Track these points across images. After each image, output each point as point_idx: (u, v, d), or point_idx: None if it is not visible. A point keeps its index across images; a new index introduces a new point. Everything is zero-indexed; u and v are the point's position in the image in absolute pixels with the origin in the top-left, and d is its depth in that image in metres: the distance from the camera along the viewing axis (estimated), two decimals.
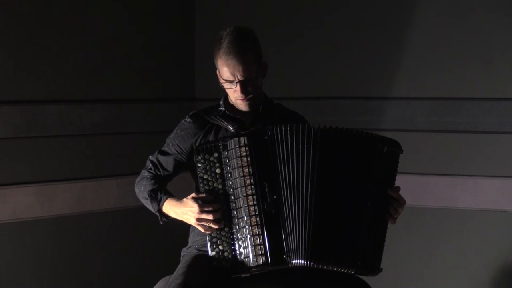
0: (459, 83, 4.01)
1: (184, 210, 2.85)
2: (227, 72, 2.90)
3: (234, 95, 2.95)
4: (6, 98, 3.87)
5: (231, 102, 3.02)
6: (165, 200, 2.92)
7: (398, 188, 2.88)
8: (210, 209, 2.81)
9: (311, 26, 4.29)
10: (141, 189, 2.99)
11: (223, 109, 3.02)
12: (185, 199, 2.87)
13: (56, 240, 4.07)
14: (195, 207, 2.82)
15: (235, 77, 2.90)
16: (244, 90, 2.92)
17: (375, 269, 2.84)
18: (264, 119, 3.00)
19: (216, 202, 2.83)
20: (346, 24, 4.22)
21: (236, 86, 2.91)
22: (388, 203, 2.86)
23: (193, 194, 2.86)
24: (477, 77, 3.97)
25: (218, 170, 2.84)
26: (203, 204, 2.82)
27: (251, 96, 2.94)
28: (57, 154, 4.04)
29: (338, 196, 2.81)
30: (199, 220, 2.82)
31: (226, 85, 2.94)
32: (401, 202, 2.86)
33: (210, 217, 2.81)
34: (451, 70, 4.02)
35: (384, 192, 2.85)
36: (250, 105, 2.97)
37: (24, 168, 3.94)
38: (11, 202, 3.89)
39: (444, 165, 4.05)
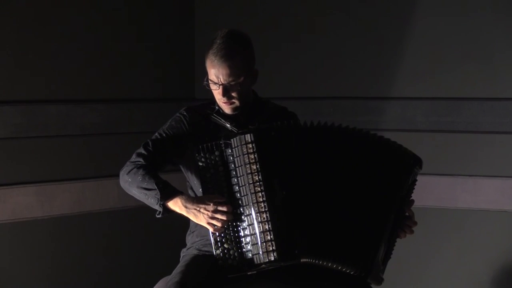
0: (459, 83, 4.01)
1: (197, 207, 2.80)
2: (212, 73, 2.90)
3: (218, 96, 2.95)
4: (6, 98, 3.87)
5: None
6: (177, 195, 2.84)
7: (413, 202, 2.90)
8: (224, 209, 2.79)
9: (311, 26, 4.29)
10: (138, 179, 2.87)
11: (217, 107, 3.01)
12: (199, 196, 2.86)
13: (56, 240, 4.06)
14: (210, 205, 2.79)
15: (218, 80, 2.90)
16: (225, 94, 2.91)
17: (380, 279, 2.85)
18: (258, 115, 3.01)
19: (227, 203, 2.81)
20: (346, 24, 4.22)
21: (219, 89, 2.91)
22: (404, 219, 2.88)
23: (210, 195, 2.83)
24: (477, 77, 3.97)
25: (221, 168, 2.83)
26: (218, 204, 2.80)
27: (233, 101, 2.94)
28: (57, 154, 4.04)
29: (356, 200, 2.81)
30: (212, 218, 2.79)
31: (210, 85, 2.93)
32: (414, 221, 2.90)
33: (224, 217, 2.79)
34: (451, 70, 4.02)
35: (404, 208, 2.87)
36: (233, 109, 2.97)
37: (24, 168, 3.94)
38: (11, 202, 3.89)
39: (444, 165, 4.05)
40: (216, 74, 2.89)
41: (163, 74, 4.42)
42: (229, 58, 2.86)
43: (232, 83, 2.90)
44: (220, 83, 2.90)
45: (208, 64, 2.91)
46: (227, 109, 2.97)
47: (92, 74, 4.14)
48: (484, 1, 3.95)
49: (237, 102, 2.95)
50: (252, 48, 2.95)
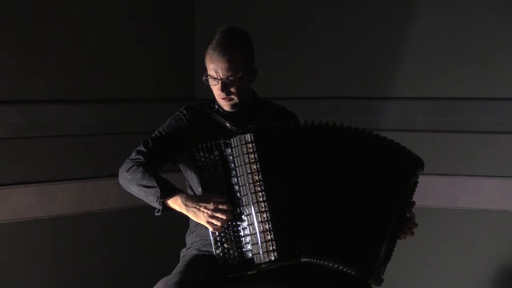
0: (459, 83, 4.01)
1: (197, 205, 2.79)
2: (211, 69, 2.91)
3: (216, 92, 2.95)
4: (6, 98, 3.87)
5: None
6: (177, 193, 2.83)
7: (413, 204, 2.90)
8: (225, 208, 2.79)
9: (311, 26, 4.29)
10: (138, 176, 2.85)
11: (217, 106, 3.01)
12: (199, 195, 2.86)
13: (56, 240, 4.06)
14: (210, 204, 2.79)
15: (217, 74, 2.90)
16: (224, 89, 2.91)
17: (380, 279, 2.85)
18: (257, 115, 3.00)
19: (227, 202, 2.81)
20: (346, 24, 4.22)
21: (218, 84, 2.92)
22: (405, 221, 2.88)
23: (210, 194, 2.83)
24: (477, 77, 3.97)
25: (220, 168, 2.82)
26: (219, 202, 2.79)
27: (232, 97, 2.94)
28: (57, 154, 4.04)
29: (358, 200, 2.81)
30: (211, 217, 2.79)
31: (210, 81, 2.93)
32: (414, 222, 2.90)
33: (224, 216, 2.78)
34: (451, 70, 4.02)
35: (405, 210, 2.87)
36: (232, 106, 2.96)
37: (24, 168, 3.94)
38: (11, 202, 3.89)
39: (444, 165, 4.05)
40: (215, 68, 2.90)
41: (163, 74, 4.42)
42: (227, 52, 2.87)
43: (231, 78, 2.90)
44: (219, 78, 2.90)
45: (207, 59, 2.92)
46: (225, 105, 2.97)
47: (92, 74, 4.14)
48: (484, 1, 3.95)
49: (236, 99, 2.94)
50: (251, 45, 2.96)
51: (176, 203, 2.83)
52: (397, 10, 4.12)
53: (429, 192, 4.04)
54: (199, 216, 2.80)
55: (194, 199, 2.82)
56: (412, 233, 2.91)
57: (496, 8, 3.93)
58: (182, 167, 3.04)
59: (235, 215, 2.81)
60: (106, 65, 4.19)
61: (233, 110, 2.97)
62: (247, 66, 2.92)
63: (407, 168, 2.86)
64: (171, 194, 2.83)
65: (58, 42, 4.01)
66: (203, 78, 2.95)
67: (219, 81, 2.91)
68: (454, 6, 4.00)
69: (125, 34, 4.25)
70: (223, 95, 2.93)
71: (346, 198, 2.81)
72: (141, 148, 2.95)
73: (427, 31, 4.06)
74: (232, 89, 2.92)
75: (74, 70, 4.07)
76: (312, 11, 4.28)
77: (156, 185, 2.83)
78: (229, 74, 2.89)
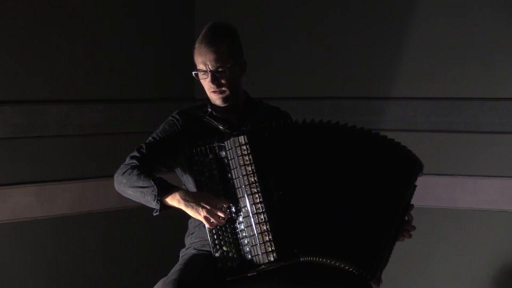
0: (459, 83, 4.01)
1: (197, 200, 2.79)
2: (200, 62, 2.92)
3: (207, 86, 2.95)
4: (6, 98, 3.87)
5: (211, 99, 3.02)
6: (174, 189, 2.82)
7: (412, 207, 2.91)
8: (225, 206, 2.79)
9: (311, 26, 4.29)
10: (133, 179, 2.86)
11: (210, 109, 3.01)
12: (197, 192, 2.85)
13: (56, 240, 4.07)
14: (210, 200, 2.78)
15: (207, 67, 2.91)
16: (214, 81, 2.91)
17: (380, 280, 2.85)
18: (250, 116, 3.00)
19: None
20: (346, 24, 4.22)
21: (208, 77, 2.92)
22: (404, 223, 2.89)
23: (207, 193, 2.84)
24: (477, 77, 3.97)
25: (215, 171, 2.82)
26: (220, 200, 2.79)
27: (223, 89, 2.94)
28: (57, 154, 4.04)
29: (358, 200, 2.81)
30: (210, 212, 2.78)
31: (199, 75, 2.94)
32: (413, 225, 2.92)
33: (222, 214, 2.78)
34: (451, 70, 4.03)
35: (406, 212, 2.88)
36: (223, 99, 2.96)
37: (24, 168, 3.95)
38: (11, 202, 3.89)
39: (444, 165, 4.05)
40: (203, 61, 2.91)
41: (163, 74, 4.43)
42: (214, 44, 2.89)
43: (220, 69, 2.91)
44: (208, 70, 2.91)
45: (196, 53, 2.94)
46: (217, 99, 2.96)
47: (92, 74, 4.14)
48: (484, 1, 3.95)
49: (227, 91, 2.94)
50: (238, 38, 2.97)
51: (174, 199, 2.82)
52: (397, 10, 4.12)
53: (429, 192, 4.04)
54: (198, 211, 2.79)
55: (193, 195, 2.82)
56: (410, 236, 2.91)
57: (496, 8, 3.93)
58: (177, 172, 3.04)
59: (232, 217, 2.81)
60: (106, 65, 4.19)
61: (225, 104, 2.97)
62: (235, 57, 2.93)
63: (411, 171, 2.86)
64: (168, 191, 2.83)
65: (58, 42, 4.01)
66: (193, 72, 2.96)
67: (209, 74, 2.91)
68: (454, 6, 4.00)
69: (125, 34, 4.26)
70: (214, 87, 2.93)
71: (346, 198, 2.80)
72: (135, 153, 2.96)
73: (427, 31, 4.06)
74: (223, 81, 2.93)
75: (74, 70, 4.08)
76: (312, 11, 4.28)
77: (153, 183, 2.83)
78: (218, 65, 2.90)
